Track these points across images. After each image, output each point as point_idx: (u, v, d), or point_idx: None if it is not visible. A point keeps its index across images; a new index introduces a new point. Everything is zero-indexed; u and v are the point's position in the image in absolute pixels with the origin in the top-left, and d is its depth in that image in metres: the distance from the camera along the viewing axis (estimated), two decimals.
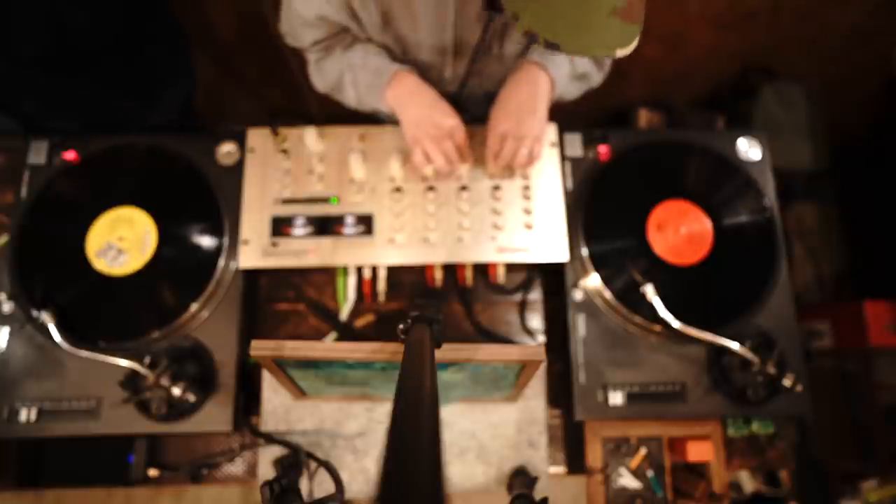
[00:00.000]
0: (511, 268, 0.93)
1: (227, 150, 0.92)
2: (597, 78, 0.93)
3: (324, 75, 0.91)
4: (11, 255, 0.85)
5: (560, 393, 0.88)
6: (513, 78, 0.82)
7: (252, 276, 0.90)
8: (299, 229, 0.87)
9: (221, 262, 0.86)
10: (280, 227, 0.87)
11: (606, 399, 0.82)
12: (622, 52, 0.52)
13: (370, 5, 0.77)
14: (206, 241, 0.87)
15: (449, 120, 0.80)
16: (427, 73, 0.87)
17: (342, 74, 0.88)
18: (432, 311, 0.49)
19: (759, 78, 1.84)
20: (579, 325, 0.85)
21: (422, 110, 0.81)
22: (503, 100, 0.81)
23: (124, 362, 0.76)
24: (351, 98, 0.91)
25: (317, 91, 0.95)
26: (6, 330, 0.82)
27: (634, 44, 0.52)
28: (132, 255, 0.84)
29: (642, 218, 0.89)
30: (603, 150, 0.93)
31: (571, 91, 0.90)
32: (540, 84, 0.80)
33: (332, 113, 1.73)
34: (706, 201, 0.90)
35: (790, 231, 1.93)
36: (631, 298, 0.84)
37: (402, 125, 0.83)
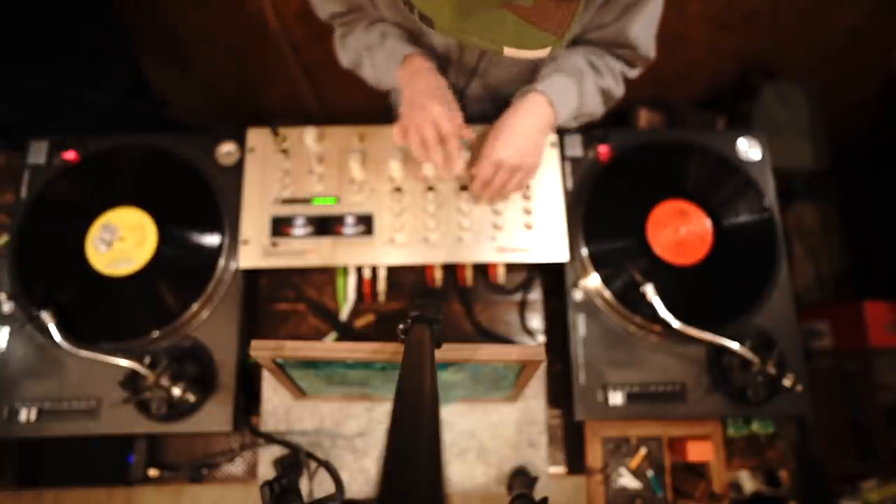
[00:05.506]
0: (511, 268, 0.93)
1: (227, 150, 0.92)
2: (598, 113, 0.91)
3: (347, 51, 0.92)
4: (11, 255, 0.85)
5: (560, 393, 0.88)
6: (516, 106, 0.80)
7: (252, 276, 0.90)
8: (299, 229, 0.87)
9: (221, 262, 0.86)
10: (280, 227, 0.87)
11: (606, 399, 0.82)
12: (513, 53, 0.48)
13: None
14: (206, 241, 0.87)
15: (437, 106, 0.77)
16: (441, 61, 0.87)
17: (361, 54, 0.88)
18: (432, 311, 0.49)
19: (759, 78, 1.84)
20: (579, 325, 0.85)
21: (418, 92, 0.79)
22: (504, 127, 0.79)
23: (124, 362, 0.76)
24: (370, 77, 0.91)
25: (341, 65, 0.96)
26: (6, 330, 0.82)
27: (542, 51, 0.48)
28: (114, 255, 0.84)
29: (642, 218, 0.89)
30: (603, 150, 0.93)
31: (571, 124, 0.90)
32: (543, 118, 0.79)
33: (331, 113, 1.73)
34: (706, 201, 0.90)
35: (790, 231, 1.93)
36: (631, 298, 0.84)
37: (401, 105, 0.82)
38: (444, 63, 0.87)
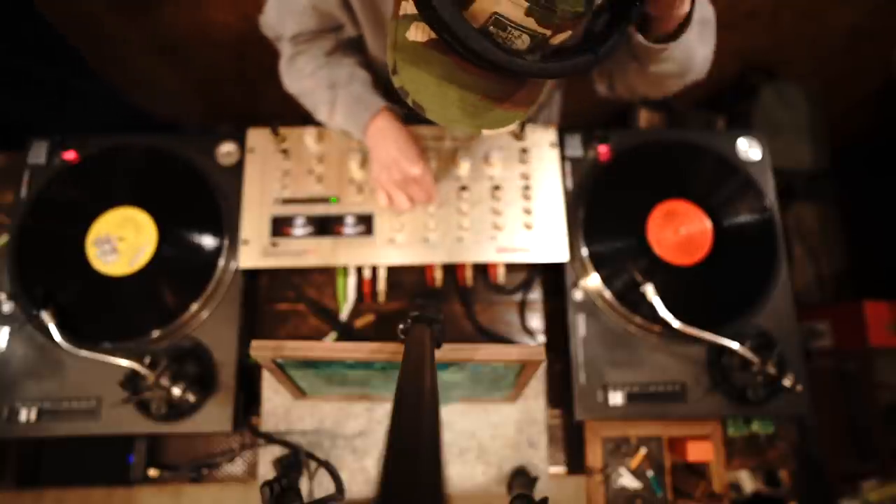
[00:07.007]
0: (511, 268, 0.93)
1: (227, 150, 0.92)
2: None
3: (297, 74, 0.85)
4: (11, 255, 0.85)
5: (560, 393, 0.88)
6: None
7: (252, 276, 0.90)
8: (299, 229, 0.87)
9: (221, 262, 0.86)
10: (280, 227, 0.87)
11: (606, 399, 0.82)
12: (490, 133, 0.55)
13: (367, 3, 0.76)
14: (206, 241, 0.87)
15: (414, 168, 0.79)
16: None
17: (318, 86, 0.83)
18: (432, 311, 0.49)
19: (759, 78, 1.84)
20: (579, 325, 0.85)
21: (390, 153, 0.79)
22: None
23: (124, 362, 0.76)
24: (321, 113, 0.85)
25: (285, 88, 0.89)
26: (6, 330, 0.82)
27: (514, 125, 0.53)
28: (123, 258, 0.84)
29: (642, 218, 0.89)
30: (603, 150, 0.93)
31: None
32: None
33: None
34: (706, 201, 0.90)
35: (790, 231, 1.93)
36: (631, 298, 0.84)
37: (371, 163, 0.83)
38: None
